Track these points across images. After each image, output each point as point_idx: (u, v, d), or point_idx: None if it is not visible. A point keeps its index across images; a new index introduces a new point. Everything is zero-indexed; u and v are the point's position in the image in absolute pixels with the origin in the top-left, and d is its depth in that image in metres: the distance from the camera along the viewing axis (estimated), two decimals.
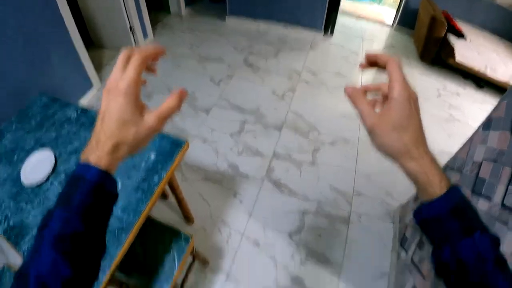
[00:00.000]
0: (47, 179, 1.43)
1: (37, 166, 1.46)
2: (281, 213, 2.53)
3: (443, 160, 2.08)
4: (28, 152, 1.53)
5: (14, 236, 1.28)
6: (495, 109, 1.51)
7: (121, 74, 0.49)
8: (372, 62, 0.54)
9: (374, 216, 2.52)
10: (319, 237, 2.38)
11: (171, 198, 2.47)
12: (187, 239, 1.62)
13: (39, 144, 1.58)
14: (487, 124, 1.53)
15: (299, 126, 3.15)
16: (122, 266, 1.55)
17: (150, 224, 1.67)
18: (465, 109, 3.60)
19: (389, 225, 2.47)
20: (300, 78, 3.72)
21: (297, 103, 3.39)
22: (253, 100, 3.38)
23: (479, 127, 1.60)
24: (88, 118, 1.69)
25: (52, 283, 0.43)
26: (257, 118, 3.20)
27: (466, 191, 1.50)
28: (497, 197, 1.28)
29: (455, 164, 1.73)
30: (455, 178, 1.68)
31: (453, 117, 3.48)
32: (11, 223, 1.32)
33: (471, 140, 1.65)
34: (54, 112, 1.73)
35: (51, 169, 1.45)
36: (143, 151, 1.47)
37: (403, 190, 2.60)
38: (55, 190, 1.40)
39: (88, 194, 0.47)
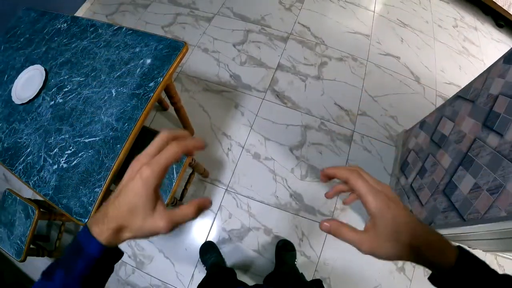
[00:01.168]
0: (39, 93, 1.37)
1: (27, 83, 1.41)
2: (283, 126, 2.49)
3: (449, 91, 1.99)
4: (19, 71, 1.46)
5: (9, 158, 1.27)
6: None
7: (155, 153, 0.48)
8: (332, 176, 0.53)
9: (377, 138, 2.48)
10: (320, 154, 2.37)
11: (171, 110, 2.40)
12: None
13: (30, 61, 1.49)
14: (509, 58, 1.41)
15: (306, 39, 2.97)
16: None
17: (148, 135, 1.62)
18: (481, 44, 3.36)
19: (391, 149, 2.44)
20: None
21: (306, 15, 3.16)
22: (258, 10, 3.15)
23: (499, 59, 1.48)
24: (79, 26, 1.55)
25: None
26: (262, 28, 3.00)
27: (477, 124, 1.45)
28: (509, 136, 1.22)
29: (469, 93, 1.64)
30: (466, 108, 1.60)
31: (467, 51, 3.25)
32: (5, 145, 1.30)
33: (488, 71, 1.54)
34: (43, 26, 1.60)
35: (42, 83, 1.38)
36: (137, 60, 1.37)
37: (408, 116, 2.55)
38: (47, 105, 1.35)
39: (88, 267, 0.47)
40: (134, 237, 0.48)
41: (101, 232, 0.46)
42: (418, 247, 0.46)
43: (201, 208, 0.48)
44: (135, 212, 0.46)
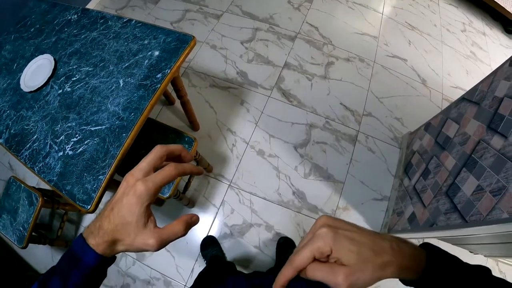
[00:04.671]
0: (47, 82, 1.39)
1: (36, 71, 1.42)
2: (288, 124, 2.50)
3: (456, 95, 1.98)
4: (28, 60, 1.47)
5: (15, 144, 1.29)
6: None
7: (148, 169, 0.49)
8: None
9: (381, 139, 2.48)
10: (324, 153, 2.38)
11: (178, 104, 2.42)
12: (190, 142, 1.60)
13: (39, 50, 1.50)
14: None
15: (314, 38, 2.97)
16: (126, 171, 1.54)
17: (154, 127, 1.64)
18: (489, 50, 3.35)
19: (395, 150, 2.44)
20: None
21: (314, 15, 3.17)
22: (267, 9, 3.16)
23: (505, 62, 1.48)
24: (89, 18, 1.56)
25: None
26: (270, 27, 3.02)
27: (482, 126, 1.45)
28: None
29: (474, 96, 1.64)
30: (471, 110, 1.60)
31: (475, 55, 3.24)
32: (12, 131, 1.31)
33: (494, 73, 1.53)
34: (54, 17, 1.61)
35: (51, 72, 1.39)
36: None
37: (413, 118, 2.56)
38: (55, 93, 1.36)
39: (84, 276, 0.49)
40: (127, 250, 0.50)
41: (97, 244, 0.48)
42: (390, 263, 0.43)
43: (190, 225, 0.50)
44: (128, 227, 0.47)
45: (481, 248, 1.75)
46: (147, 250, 0.48)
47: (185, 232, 0.49)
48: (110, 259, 0.51)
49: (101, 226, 0.48)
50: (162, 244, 0.47)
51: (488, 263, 2.09)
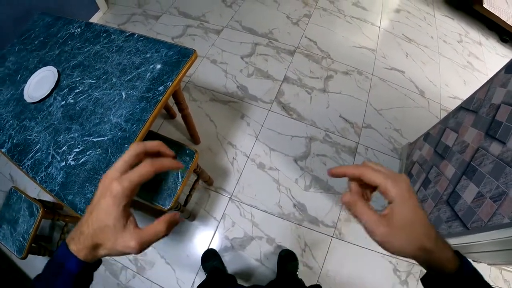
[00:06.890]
0: (50, 93, 1.41)
1: (40, 83, 1.44)
2: (288, 137, 2.51)
3: (454, 105, 2.01)
4: (32, 72, 1.50)
5: (17, 153, 1.29)
6: None
7: (124, 168, 0.47)
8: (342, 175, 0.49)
9: (381, 151, 2.50)
10: (324, 165, 2.38)
11: (179, 118, 2.43)
12: (191, 154, 1.60)
13: (43, 62, 1.53)
14: (511, 68, 1.45)
15: (313, 52, 3.02)
16: None
17: (155, 139, 1.64)
18: (485, 59, 3.42)
19: (395, 161, 2.45)
20: (317, 5, 3.50)
21: (312, 29, 3.23)
22: (266, 24, 3.22)
23: (501, 69, 1.52)
24: (92, 32, 1.60)
25: None
26: (270, 42, 3.06)
27: (480, 133, 1.46)
28: None
29: (471, 104, 1.66)
30: (469, 118, 1.62)
31: (472, 65, 3.30)
32: (15, 141, 1.32)
33: (491, 81, 1.56)
34: (57, 30, 1.65)
35: (54, 84, 1.42)
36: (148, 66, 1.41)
37: (413, 129, 2.58)
38: (58, 104, 1.38)
39: (67, 282, 0.47)
40: (109, 254, 0.48)
41: (78, 250, 0.46)
42: (430, 250, 0.44)
43: (171, 223, 0.47)
44: (107, 231, 0.45)
45: (483, 256, 1.74)
46: (129, 253, 0.46)
47: (167, 232, 0.47)
48: (94, 264, 0.50)
49: (82, 232, 0.46)
50: (143, 246, 0.45)
51: (492, 271, 2.07)
